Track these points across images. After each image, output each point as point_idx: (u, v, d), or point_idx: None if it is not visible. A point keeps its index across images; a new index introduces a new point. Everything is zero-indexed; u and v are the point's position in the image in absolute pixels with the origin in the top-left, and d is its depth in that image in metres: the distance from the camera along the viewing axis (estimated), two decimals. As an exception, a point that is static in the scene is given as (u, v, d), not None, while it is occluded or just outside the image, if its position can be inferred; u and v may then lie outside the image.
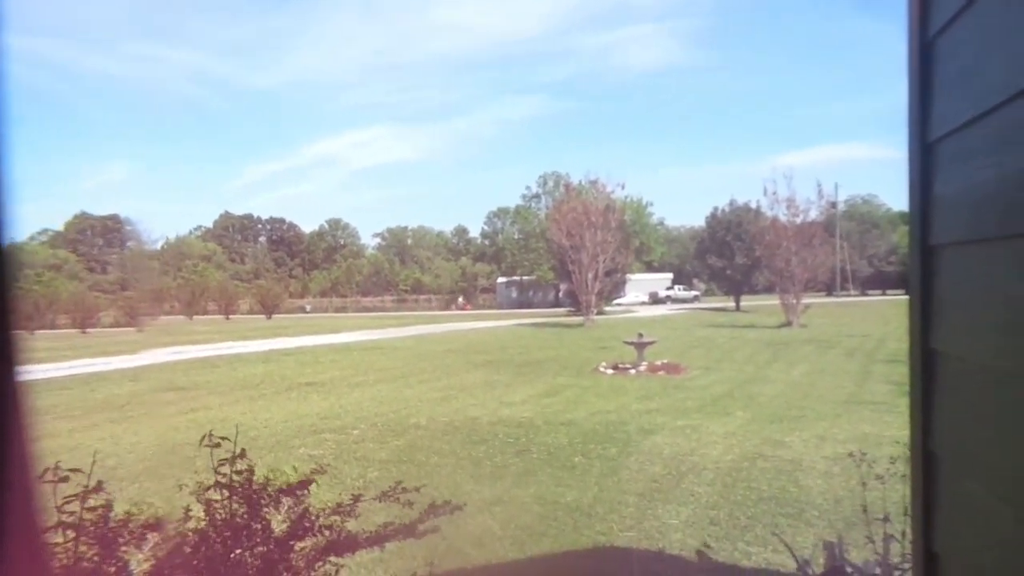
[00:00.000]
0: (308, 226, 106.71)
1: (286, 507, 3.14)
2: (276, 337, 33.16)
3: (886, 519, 3.85)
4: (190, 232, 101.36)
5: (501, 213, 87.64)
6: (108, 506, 2.74)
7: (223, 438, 2.99)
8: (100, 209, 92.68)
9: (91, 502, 2.66)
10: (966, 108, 1.44)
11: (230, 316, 63.04)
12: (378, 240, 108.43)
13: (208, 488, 3.01)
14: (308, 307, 78.92)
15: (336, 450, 9.25)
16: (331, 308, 79.27)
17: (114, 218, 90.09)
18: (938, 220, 1.67)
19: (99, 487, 2.69)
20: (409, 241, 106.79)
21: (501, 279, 77.07)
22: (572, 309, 44.73)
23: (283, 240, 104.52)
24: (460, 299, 74.20)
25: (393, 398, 13.67)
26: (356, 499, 3.42)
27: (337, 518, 3.22)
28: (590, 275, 36.52)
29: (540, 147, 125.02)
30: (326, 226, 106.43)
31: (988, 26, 1.35)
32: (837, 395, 12.57)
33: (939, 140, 1.63)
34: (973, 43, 1.43)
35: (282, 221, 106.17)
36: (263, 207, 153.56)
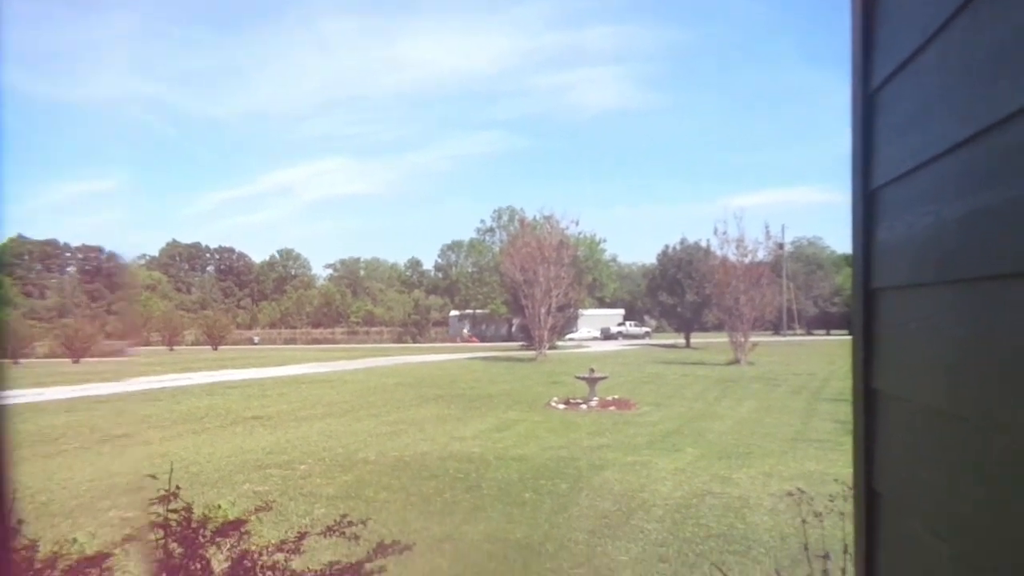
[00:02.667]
0: (259, 256, 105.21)
1: (227, 546, 3.04)
2: (222, 369, 32.36)
3: (826, 556, 3.92)
4: (134, 260, 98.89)
5: (455, 246, 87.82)
6: (32, 546, 2.62)
7: (151, 476, 2.89)
8: (39, 234, 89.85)
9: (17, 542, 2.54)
10: (907, 158, 1.51)
11: (174, 347, 61.37)
12: (330, 271, 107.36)
13: (135, 531, 2.91)
14: (256, 339, 77.31)
15: (282, 486, 9.02)
16: (280, 340, 77.83)
17: (52, 243, 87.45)
18: (880, 264, 1.73)
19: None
20: (362, 272, 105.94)
21: (454, 312, 76.84)
22: (524, 343, 44.76)
23: (232, 270, 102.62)
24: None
25: (342, 432, 13.43)
26: (301, 536, 3.34)
27: (281, 556, 3.13)
28: (543, 310, 36.68)
29: (494, 183, 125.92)
30: (277, 256, 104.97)
31: (927, 82, 1.42)
32: (784, 432, 12.78)
33: (881, 187, 1.70)
34: (913, 97, 1.50)
35: (231, 250, 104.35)
36: (214, 236, 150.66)
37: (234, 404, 18.51)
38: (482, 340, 67.00)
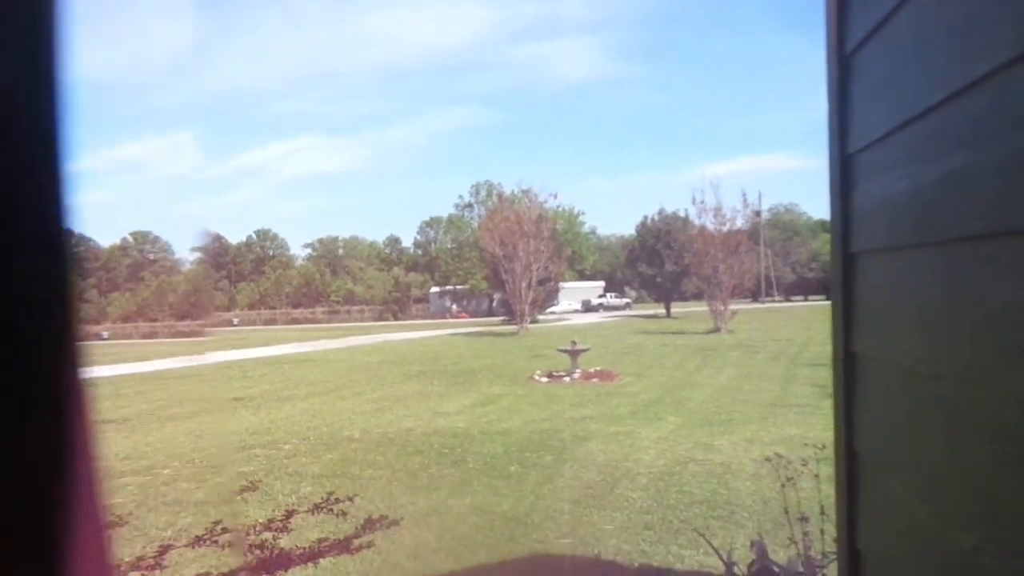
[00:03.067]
0: (235, 237, 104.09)
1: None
2: (202, 352, 32.12)
3: (804, 519, 4.00)
4: (111, 245, 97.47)
5: (434, 223, 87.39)
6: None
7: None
8: None
9: None
10: (882, 122, 1.51)
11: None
12: (308, 251, 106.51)
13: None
14: (236, 320, 76.80)
15: (267, 466, 9.02)
16: (260, 321, 77.34)
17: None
18: (857, 229, 1.75)
19: None
20: (340, 251, 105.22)
21: (434, 289, 76.75)
22: (506, 318, 44.84)
23: (207, 251, 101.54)
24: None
25: (325, 411, 13.42)
26: (289, 514, 3.34)
27: (269, 535, 3.14)
28: (523, 284, 36.71)
29: (472, 157, 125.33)
30: (254, 237, 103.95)
31: (901, 43, 1.42)
32: (764, 398, 12.95)
33: (857, 152, 1.71)
34: (887, 59, 1.50)
35: (206, 232, 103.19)
36: (186, 217, 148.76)
37: (216, 386, 18.41)
38: (463, 315, 67.06)
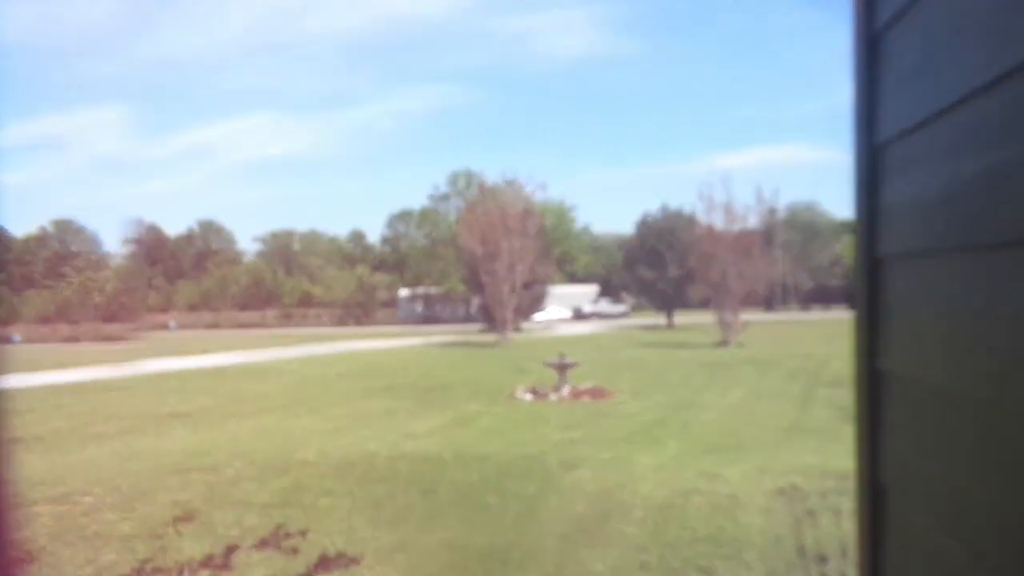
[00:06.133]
0: (173, 228, 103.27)
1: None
2: (132, 360, 31.85)
3: (823, 560, 4.01)
4: (26, 235, 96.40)
5: (404, 216, 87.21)
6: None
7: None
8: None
9: None
10: (916, 109, 1.51)
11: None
12: (259, 246, 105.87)
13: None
14: (173, 323, 76.21)
15: (206, 493, 8.94)
16: (201, 324, 76.83)
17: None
18: (886, 229, 1.75)
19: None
20: (296, 247, 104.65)
21: (404, 291, 76.60)
22: (485, 326, 44.79)
23: (140, 243, 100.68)
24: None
25: (276, 431, 13.34)
26: (230, 550, 3.30)
27: (207, 573, 3.09)
28: (506, 287, 36.74)
29: (449, 143, 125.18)
30: (196, 228, 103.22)
31: (938, 20, 1.42)
32: (778, 422, 13.03)
33: (887, 143, 1.71)
34: (923, 37, 1.50)
35: (139, 221, 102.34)
36: (114, 204, 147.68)
37: (148, 400, 18.25)
38: (436, 323, 66.99)
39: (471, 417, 14.37)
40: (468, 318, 61.74)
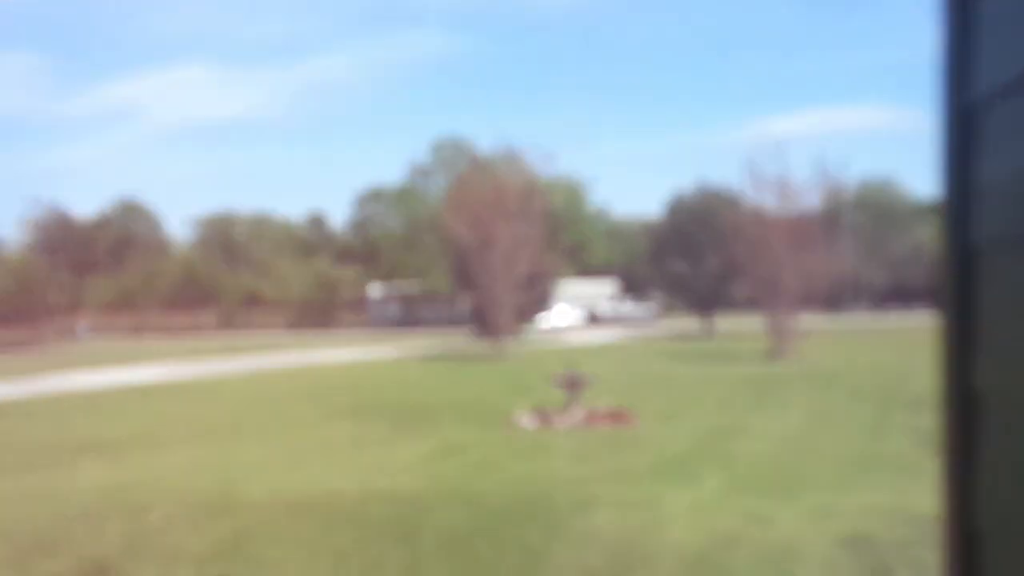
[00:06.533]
0: (84, 209, 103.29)
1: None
2: (31, 374, 31.83)
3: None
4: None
5: (376, 195, 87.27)
6: None
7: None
8: None
9: None
10: (1022, 57, 1.50)
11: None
12: (193, 231, 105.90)
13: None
14: (84, 327, 76.14)
15: (125, 542, 8.93)
16: (120, 329, 76.80)
17: None
18: (982, 212, 1.74)
19: None
20: (240, 234, 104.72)
21: (375, 289, 76.65)
22: (477, 332, 44.78)
23: (43, 229, 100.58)
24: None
25: (216, 463, 13.35)
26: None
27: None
28: (504, 284, 36.66)
29: (430, 104, 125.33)
30: (114, 210, 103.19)
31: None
32: (844, 452, 13.03)
33: (983, 103, 1.70)
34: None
35: (42, 201, 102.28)
36: (9, 178, 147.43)
37: (51, 424, 18.24)
38: (415, 327, 66.97)
39: (459, 447, 14.37)
40: (455, 322, 61.76)
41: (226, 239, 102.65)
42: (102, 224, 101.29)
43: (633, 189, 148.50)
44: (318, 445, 14.89)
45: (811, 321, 37.74)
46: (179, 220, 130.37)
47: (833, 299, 57.61)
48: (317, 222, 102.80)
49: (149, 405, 21.62)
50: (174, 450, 14.81)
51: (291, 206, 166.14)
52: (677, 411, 18.13)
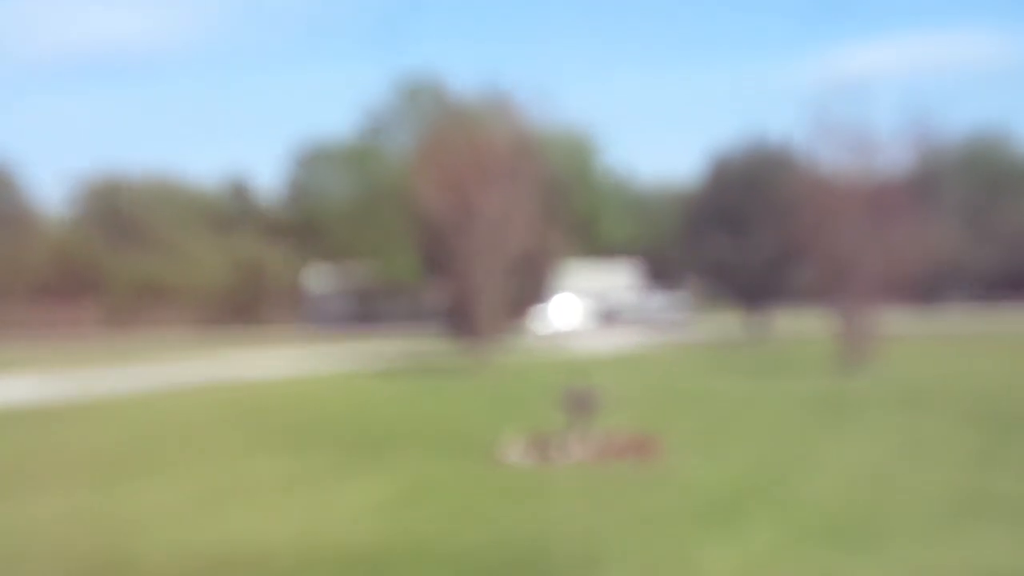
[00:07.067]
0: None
1: None
2: None
3: None
4: None
5: (318, 154, 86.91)
6: None
7: None
8: None
9: None
10: None
11: None
12: (70, 200, 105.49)
13: None
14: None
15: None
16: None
17: None
18: None
19: None
20: (133, 203, 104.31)
21: (318, 275, 76.52)
22: (454, 334, 44.63)
23: None
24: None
25: (101, 509, 13.34)
26: None
27: None
28: (490, 270, 36.57)
29: (390, 28, 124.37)
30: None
31: None
32: (940, 493, 13.05)
33: None
34: None
35: None
36: None
37: None
38: (372, 324, 66.87)
39: (431, 486, 14.36)
40: (423, 319, 61.61)
41: (113, 210, 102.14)
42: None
43: (661, 144, 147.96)
44: (240, 483, 14.83)
45: (898, 319, 37.76)
46: (50, 185, 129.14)
47: (927, 290, 57.58)
48: (239, 188, 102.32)
49: (9, 431, 21.53)
50: (45, 492, 14.71)
51: (203, 166, 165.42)
52: (717, 438, 18.15)
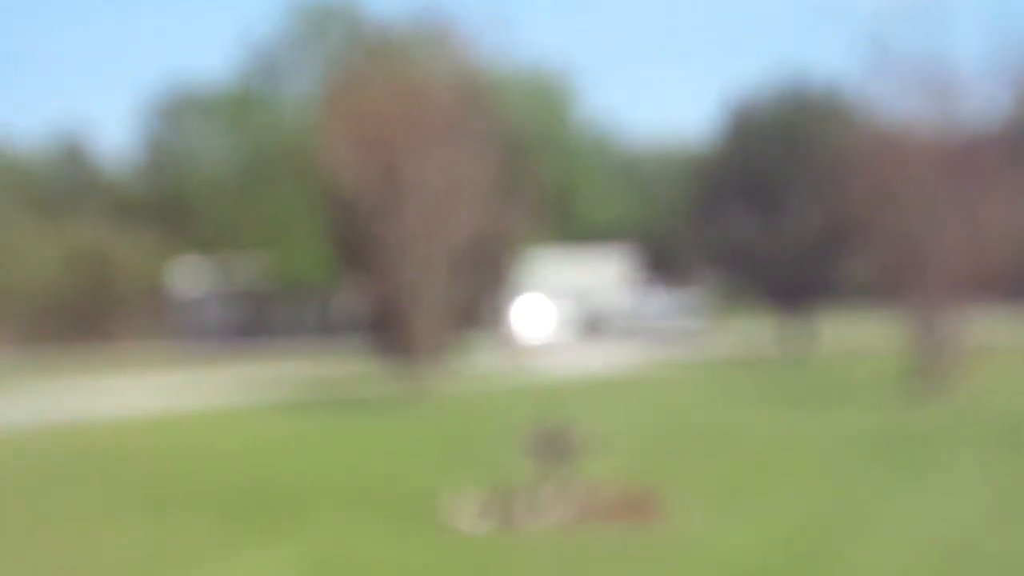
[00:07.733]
0: None
1: None
2: None
3: None
4: None
5: (183, 104, 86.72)
6: None
7: None
8: None
9: None
10: None
11: None
12: None
13: None
14: None
15: None
16: None
17: None
18: None
19: None
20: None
21: (187, 272, 76.48)
22: (381, 352, 44.63)
23: None
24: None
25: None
26: None
27: None
28: (428, 262, 36.62)
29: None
30: None
31: None
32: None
33: None
34: None
35: None
36: None
37: None
38: (264, 338, 66.90)
39: (349, 565, 14.41)
40: (335, 332, 61.62)
41: None
42: None
43: (659, 89, 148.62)
44: (83, 559, 14.86)
45: (991, 325, 37.92)
46: None
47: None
48: (73, 152, 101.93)
49: None
50: None
51: (23, 122, 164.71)
52: (740, 491, 18.28)
